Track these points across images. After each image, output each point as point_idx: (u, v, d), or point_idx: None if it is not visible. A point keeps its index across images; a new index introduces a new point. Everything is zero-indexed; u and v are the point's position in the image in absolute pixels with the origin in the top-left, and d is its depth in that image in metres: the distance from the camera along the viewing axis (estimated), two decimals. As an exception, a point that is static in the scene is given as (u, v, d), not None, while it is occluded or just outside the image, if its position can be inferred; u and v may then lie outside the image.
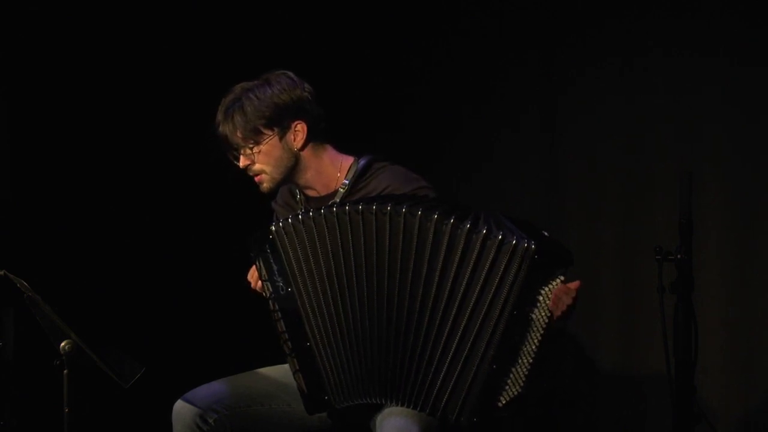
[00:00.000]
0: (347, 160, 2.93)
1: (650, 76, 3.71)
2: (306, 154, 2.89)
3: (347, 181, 2.88)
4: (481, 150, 4.03)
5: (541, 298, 2.58)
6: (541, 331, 2.58)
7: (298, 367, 2.76)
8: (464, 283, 2.59)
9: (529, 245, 2.54)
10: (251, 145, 2.86)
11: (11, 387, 3.62)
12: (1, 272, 2.68)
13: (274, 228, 2.74)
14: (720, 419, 3.46)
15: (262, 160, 2.87)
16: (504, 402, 2.61)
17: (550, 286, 2.57)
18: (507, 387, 2.60)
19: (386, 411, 2.71)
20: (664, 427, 3.48)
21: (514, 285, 2.56)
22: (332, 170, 2.92)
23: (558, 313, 2.56)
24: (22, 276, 2.69)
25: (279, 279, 2.75)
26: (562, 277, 2.57)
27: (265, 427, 2.91)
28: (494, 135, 4.04)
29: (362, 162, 2.91)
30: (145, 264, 4.15)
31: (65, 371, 2.66)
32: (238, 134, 2.86)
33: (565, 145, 3.90)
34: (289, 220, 2.72)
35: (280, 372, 2.92)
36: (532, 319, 2.58)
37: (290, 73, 2.90)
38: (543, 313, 2.57)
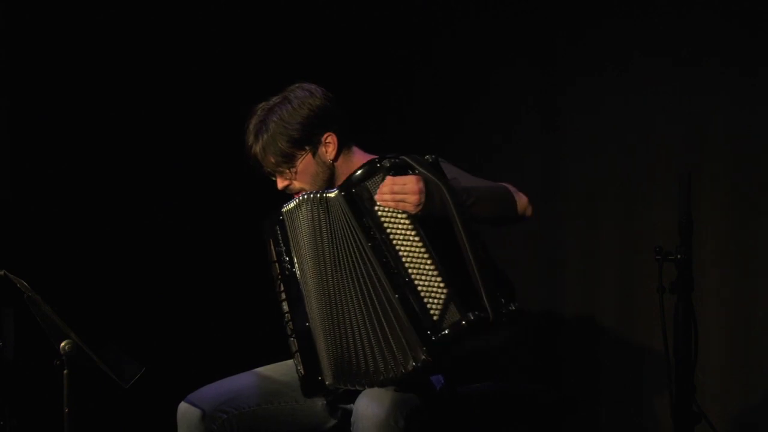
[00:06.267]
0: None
1: (650, 76, 3.71)
2: (339, 163, 2.91)
3: None
4: (480, 150, 4.03)
5: (380, 212, 2.61)
6: (412, 233, 2.58)
7: (296, 348, 2.80)
8: (344, 246, 2.66)
9: (330, 192, 2.68)
10: (287, 168, 2.88)
11: (11, 387, 3.61)
12: (1, 272, 2.69)
13: (284, 209, 2.80)
14: (720, 419, 3.45)
15: (300, 180, 2.90)
16: (446, 323, 2.53)
17: (377, 197, 2.61)
18: (432, 306, 2.55)
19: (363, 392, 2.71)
20: (664, 427, 3.48)
21: (352, 226, 2.63)
22: None
23: (392, 204, 2.59)
24: (22, 276, 2.69)
25: (286, 259, 2.81)
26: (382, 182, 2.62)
27: (272, 426, 2.91)
28: (494, 135, 4.04)
29: None
30: (145, 264, 4.15)
31: (65, 371, 2.66)
32: (271, 160, 2.88)
33: (565, 145, 3.90)
34: (292, 204, 2.78)
35: (283, 369, 2.94)
36: (390, 233, 2.60)
37: (305, 84, 2.91)
38: (396, 219, 2.60)
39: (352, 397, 2.71)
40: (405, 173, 2.62)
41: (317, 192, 2.74)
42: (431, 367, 2.60)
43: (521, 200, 2.87)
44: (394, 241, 2.60)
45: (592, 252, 3.83)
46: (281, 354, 2.92)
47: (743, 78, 3.54)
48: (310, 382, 2.79)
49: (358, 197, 2.65)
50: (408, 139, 4.06)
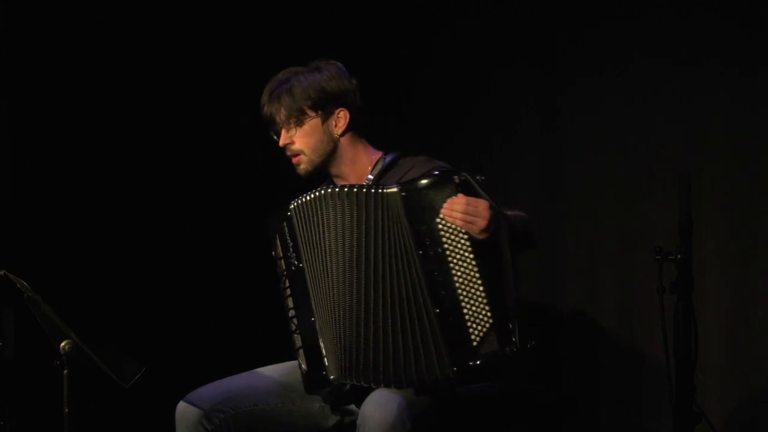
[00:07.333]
0: (377, 155, 2.97)
1: (650, 76, 3.70)
2: (344, 142, 2.94)
3: (371, 177, 2.92)
4: (480, 150, 4.03)
5: (440, 225, 2.58)
6: (470, 256, 2.57)
7: (300, 344, 2.79)
8: (386, 245, 2.64)
9: (390, 188, 2.63)
10: (293, 124, 2.90)
11: (11, 387, 3.61)
12: (1, 272, 2.69)
13: (293, 205, 2.79)
14: (720, 419, 3.45)
15: (301, 140, 2.92)
16: (483, 351, 2.55)
17: (444, 211, 2.58)
18: (474, 331, 2.56)
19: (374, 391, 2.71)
20: (664, 427, 3.48)
21: (403, 228, 2.61)
22: (366, 162, 2.96)
23: (460, 223, 2.55)
24: (22, 276, 2.69)
25: (293, 255, 2.80)
26: (454, 196, 2.58)
27: (269, 426, 2.91)
28: (494, 135, 4.03)
29: (389, 158, 2.95)
30: (145, 264, 4.15)
31: (65, 371, 2.66)
32: (283, 112, 2.91)
33: (565, 145, 3.90)
34: (307, 198, 2.77)
35: (283, 370, 2.93)
36: (446, 249, 2.57)
37: (339, 64, 2.96)
38: (457, 238, 2.58)
39: (353, 398, 2.71)
40: (469, 193, 2.60)
41: (357, 187, 2.70)
42: (453, 382, 2.62)
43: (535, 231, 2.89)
44: (449, 258, 2.58)
45: (592, 252, 3.83)
46: (281, 354, 2.92)
47: (743, 78, 3.54)
48: (312, 378, 2.78)
49: (418, 203, 2.62)
50: (408, 139, 4.06)
